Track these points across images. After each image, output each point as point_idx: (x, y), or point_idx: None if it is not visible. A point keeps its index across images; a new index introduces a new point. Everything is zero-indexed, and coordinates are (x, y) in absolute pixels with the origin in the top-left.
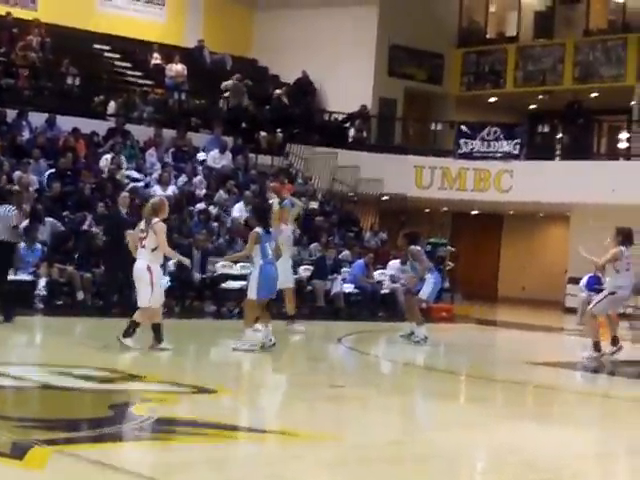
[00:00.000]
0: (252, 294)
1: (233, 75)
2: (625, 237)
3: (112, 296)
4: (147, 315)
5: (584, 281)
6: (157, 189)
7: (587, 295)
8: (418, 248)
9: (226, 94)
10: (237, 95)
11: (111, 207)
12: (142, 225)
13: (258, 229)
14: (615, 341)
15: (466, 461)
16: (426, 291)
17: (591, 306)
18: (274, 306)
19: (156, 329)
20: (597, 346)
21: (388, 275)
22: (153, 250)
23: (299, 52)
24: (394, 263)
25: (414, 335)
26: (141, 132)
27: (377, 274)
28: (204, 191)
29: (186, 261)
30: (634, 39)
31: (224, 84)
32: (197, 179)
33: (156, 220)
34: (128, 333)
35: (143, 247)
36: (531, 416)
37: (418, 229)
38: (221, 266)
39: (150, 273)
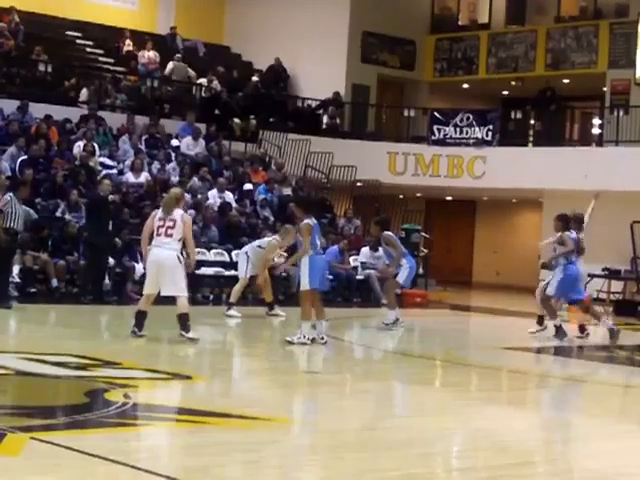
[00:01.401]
0: (305, 285)
1: (207, 63)
2: (572, 221)
3: (92, 282)
4: (145, 302)
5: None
6: (130, 176)
7: None
8: (391, 234)
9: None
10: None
11: (94, 193)
12: (160, 214)
13: (309, 220)
14: (540, 321)
15: (440, 446)
16: (402, 276)
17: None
18: (249, 292)
19: (185, 318)
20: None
21: (359, 262)
22: (179, 240)
23: (272, 39)
24: (364, 250)
25: (399, 321)
26: (114, 119)
27: (351, 260)
28: (177, 178)
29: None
30: (606, 25)
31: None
32: (170, 166)
33: (181, 211)
34: (187, 327)
35: (169, 236)
36: (505, 401)
37: (391, 215)
38: (195, 253)
39: (180, 262)
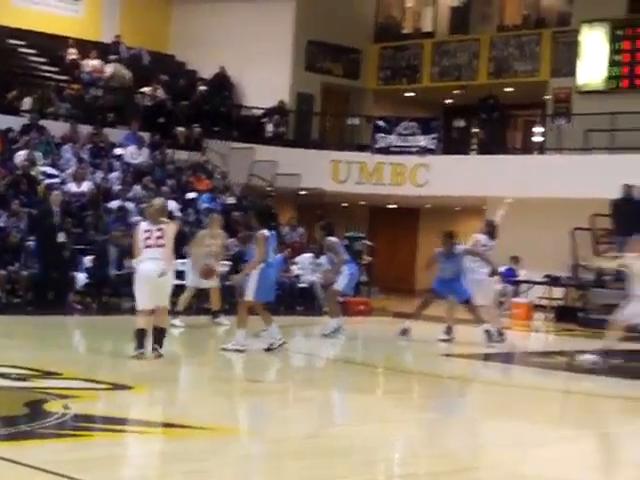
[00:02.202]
0: (250, 295)
1: (151, 72)
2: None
3: (47, 294)
4: (143, 319)
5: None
6: (72, 186)
7: (502, 287)
8: (335, 239)
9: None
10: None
11: (43, 205)
12: (146, 226)
13: (265, 231)
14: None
15: (381, 454)
16: (341, 283)
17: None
18: (195, 302)
19: (162, 334)
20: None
21: (300, 270)
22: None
23: (217, 47)
24: (304, 257)
25: (341, 329)
26: (57, 128)
27: (295, 268)
28: (120, 187)
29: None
30: (548, 34)
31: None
32: (114, 175)
33: (167, 220)
34: (162, 342)
35: (161, 246)
36: (446, 408)
37: (334, 224)
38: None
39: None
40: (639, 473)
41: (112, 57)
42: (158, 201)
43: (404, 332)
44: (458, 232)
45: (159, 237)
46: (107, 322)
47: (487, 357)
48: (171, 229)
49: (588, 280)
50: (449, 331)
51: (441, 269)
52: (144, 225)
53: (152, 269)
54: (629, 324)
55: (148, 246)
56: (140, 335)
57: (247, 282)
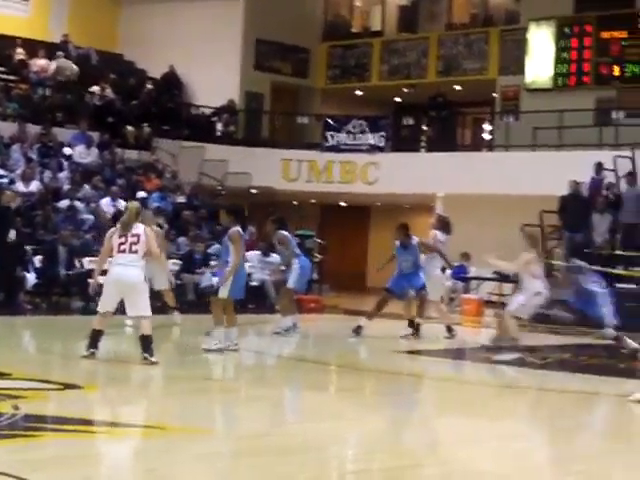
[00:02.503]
0: (224, 293)
1: (100, 71)
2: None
3: None
4: (101, 321)
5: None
6: (20, 185)
7: (452, 283)
8: (285, 233)
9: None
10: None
11: None
12: (121, 230)
13: (239, 229)
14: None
15: (335, 451)
16: (292, 279)
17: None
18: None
19: (149, 340)
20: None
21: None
22: (144, 257)
23: (166, 46)
24: (253, 255)
25: (295, 326)
26: (5, 128)
27: (247, 266)
28: (69, 186)
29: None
30: (496, 33)
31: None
32: (63, 175)
33: (143, 225)
34: (151, 350)
35: (134, 252)
36: (400, 405)
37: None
38: (88, 262)
39: (146, 282)
40: (590, 467)
41: (59, 54)
42: (134, 205)
43: (357, 330)
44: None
45: (134, 243)
46: (57, 322)
47: (439, 353)
48: (147, 234)
49: None
50: (413, 327)
51: (399, 263)
52: (119, 230)
53: (121, 274)
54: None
55: (122, 251)
56: (94, 335)
57: (220, 280)
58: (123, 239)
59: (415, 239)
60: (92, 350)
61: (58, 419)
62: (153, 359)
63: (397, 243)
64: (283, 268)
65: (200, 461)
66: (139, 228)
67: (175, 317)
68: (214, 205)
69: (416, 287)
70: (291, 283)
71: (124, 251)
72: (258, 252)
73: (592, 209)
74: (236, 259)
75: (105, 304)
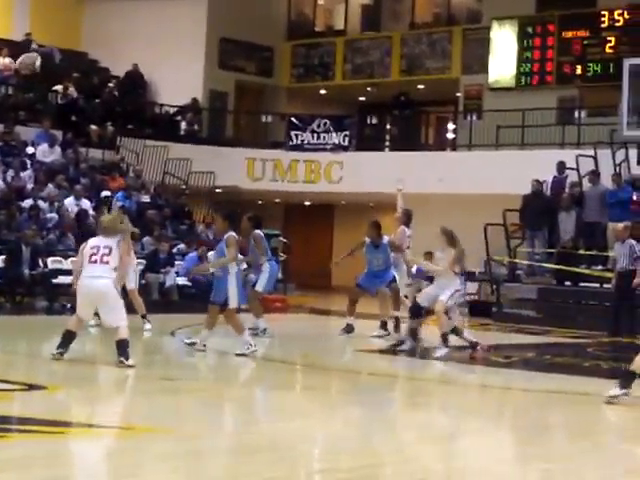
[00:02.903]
0: (234, 302)
1: (63, 70)
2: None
3: None
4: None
5: (414, 269)
6: None
7: (415, 282)
8: (261, 233)
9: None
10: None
11: None
12: (95, 241)
13: (234, 234)
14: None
15: (300, 450)
16: (262, 283)
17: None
18: None
19: (125, 345)
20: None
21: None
22: (114, 268)
23: (129, 45)
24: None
25: (258, 329)
26: None
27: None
28: (32, 185)
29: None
30: (459, 32)
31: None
32: (26, 174)
33: (117, 237)
34: (127, 354)
35: (106, 263)
36: (364, 403)
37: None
38: (52, 261)
39: (117, 290)
40: (553, 466)
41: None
42: (107, 217)
43: (348, 329)
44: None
45: (105, 254)
46: (21, 322)
47: (399, 352)
48: (120, 246)
49: (501, 275)
50: (385, 328)
51: (369, 261)
52: (93, 241)
53: (90, 286)
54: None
55: (93, 262)
56: (66, 336)
57: (226, 289)
58: (95, 250)
59: (386, 238)
60: (61, 350)
61: (22, 420)
62: (129, 362)
63: (367, 240)
64: (245, 266)
65: (164, 461)
66: (114, 240)
67: (146, 326)
68: (178, 204)
69: (387, 281)
70: (260, 287)
71: (95, 262)
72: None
73: (556, 208)
74: (229, 260)
75: (81, 312)
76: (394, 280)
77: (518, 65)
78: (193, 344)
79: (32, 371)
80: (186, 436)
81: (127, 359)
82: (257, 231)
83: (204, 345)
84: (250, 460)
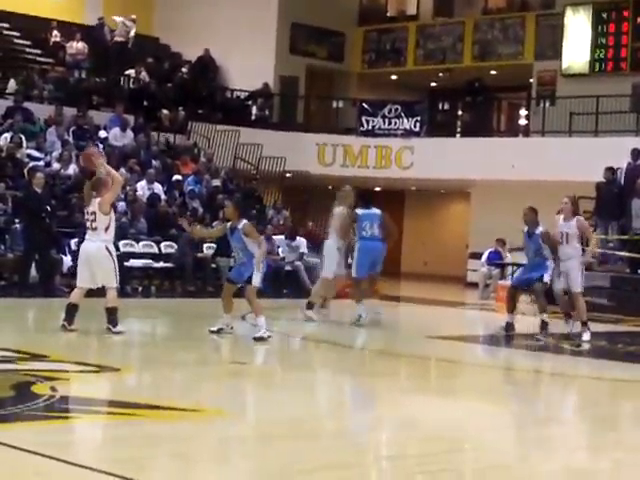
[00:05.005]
0: (257, 281)
1: (135, 54)
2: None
3: (28, 276)
4: (78, 296)
5: (485, 256)
6: (57, 168)
7: (487, 270)
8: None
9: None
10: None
11: (28, 188)
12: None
13: (247, 221)
14: None
15: (368, 436)
16: (259, 279)
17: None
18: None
19: (113, 312)
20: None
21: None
22: (107, 229)
23: (201, 30)
24: (280, 239)
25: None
26: (42, 110)
27: (280, 251)
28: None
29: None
30: (532, 17)
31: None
32: None
33: (98, 199)
34: (114, 321)
35: (94, 229)
36: (434, 390)
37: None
38: (124, 244)
39: (110, 253)
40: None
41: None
42: (90, 180)
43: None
44: (443, 214)
45: (92, 220)
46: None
47: (473, 339)
48: (99, 203)
49: None
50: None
51: (525, 252)
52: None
53: (83, 249)
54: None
55: (87, 228)
56: (70, 309)
57: (251, 271)
58: (86, 215)
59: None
60: (64, 323)
61: (94, 401)
62: (117, 329)
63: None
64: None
65: (233, 445)
66: (94, 203)
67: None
68: (249, 189)
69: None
70: (258, 282)
71: (88, 228)
72: (282, 237)
73: (631, 195)
74: (262, 247)
75: (80, 279)
76: (540, 278)
77: (592, 51)
78: (220, 330)
79: (105, 353)
80: (253, 420)
81: (114, 326)
82: (245, 221)
83: (231, 328)
84: (317, 446)
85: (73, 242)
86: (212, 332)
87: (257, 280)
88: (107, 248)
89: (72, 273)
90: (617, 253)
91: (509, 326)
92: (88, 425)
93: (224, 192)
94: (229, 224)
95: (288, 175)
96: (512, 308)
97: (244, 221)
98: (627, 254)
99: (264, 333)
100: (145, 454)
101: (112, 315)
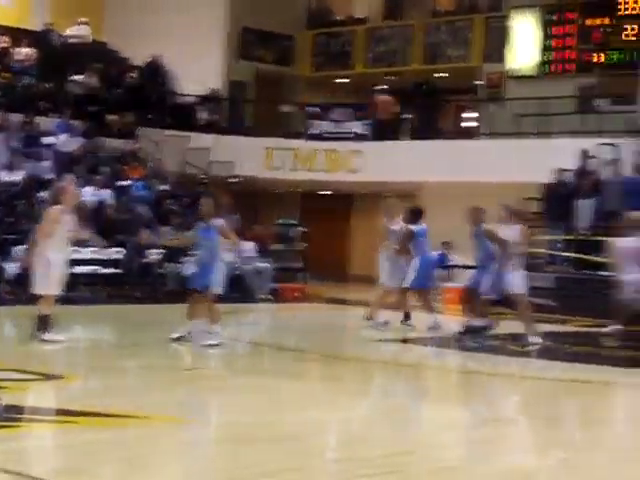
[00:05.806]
0: (218, 289)
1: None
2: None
3: None
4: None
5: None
6: (3, 175)
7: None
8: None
9: None
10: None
11: None
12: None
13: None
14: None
15: (318, 440)
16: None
17: None
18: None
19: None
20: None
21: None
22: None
23: (150, 34)
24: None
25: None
26: None
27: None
28: (52, 176)
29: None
30: (480, 20)
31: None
32: (46, 164)
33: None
34: (43, 328)
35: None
36: (381, 392)
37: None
38: (71, 251)
39: (49, 261)
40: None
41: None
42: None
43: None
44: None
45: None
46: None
47: (418, 341)
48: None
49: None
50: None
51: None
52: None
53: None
54: None
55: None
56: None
57: (211, 275)
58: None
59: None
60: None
61: (38, 409)
62: (46, 337)
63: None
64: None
65: (182, 450)
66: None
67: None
68: (197, 194)
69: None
70: (219, 288)
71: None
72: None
73: (577, 196)
74: (236, 242)
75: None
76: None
77: (539, 53)
78: (180, 338)
79: (49, 361)
80: (204, 425)
81: (44, 333)
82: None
83: (191, 335)
84: (268, 449)
85: (18, 249)
86: (174, 340)
87: (218, 285)
88: (47, 257)
89: (16, 280)
90: (563, 254)
91: (470, 328)
92: (32, 434)
93: (172, 197)
94: (203, 222)
95: (235, 180)
96: (471, 309)
97: (220, 220)
98: (573, 254)
99: (216, 340)
100: (89, 461)
101: (41, 322)
